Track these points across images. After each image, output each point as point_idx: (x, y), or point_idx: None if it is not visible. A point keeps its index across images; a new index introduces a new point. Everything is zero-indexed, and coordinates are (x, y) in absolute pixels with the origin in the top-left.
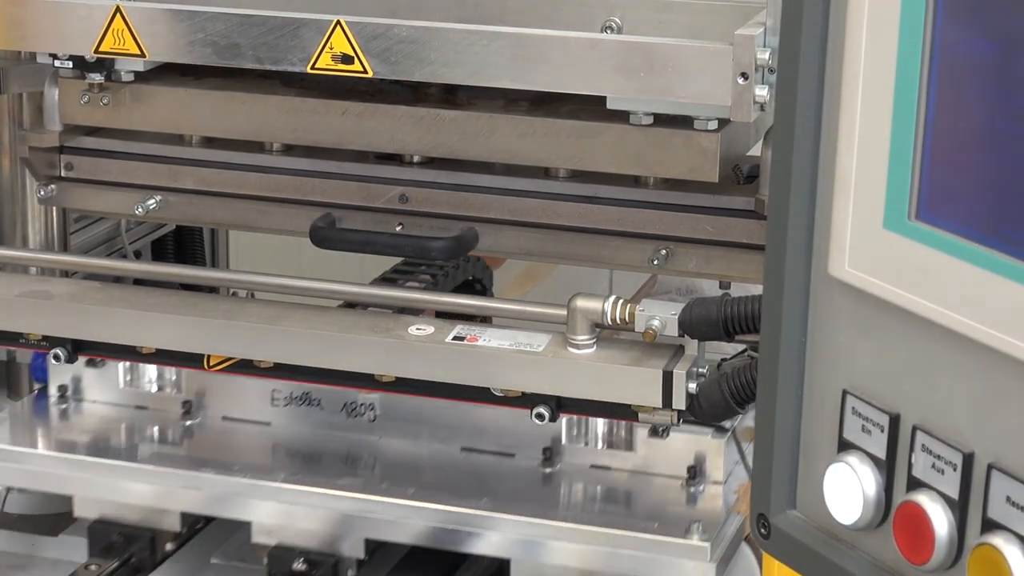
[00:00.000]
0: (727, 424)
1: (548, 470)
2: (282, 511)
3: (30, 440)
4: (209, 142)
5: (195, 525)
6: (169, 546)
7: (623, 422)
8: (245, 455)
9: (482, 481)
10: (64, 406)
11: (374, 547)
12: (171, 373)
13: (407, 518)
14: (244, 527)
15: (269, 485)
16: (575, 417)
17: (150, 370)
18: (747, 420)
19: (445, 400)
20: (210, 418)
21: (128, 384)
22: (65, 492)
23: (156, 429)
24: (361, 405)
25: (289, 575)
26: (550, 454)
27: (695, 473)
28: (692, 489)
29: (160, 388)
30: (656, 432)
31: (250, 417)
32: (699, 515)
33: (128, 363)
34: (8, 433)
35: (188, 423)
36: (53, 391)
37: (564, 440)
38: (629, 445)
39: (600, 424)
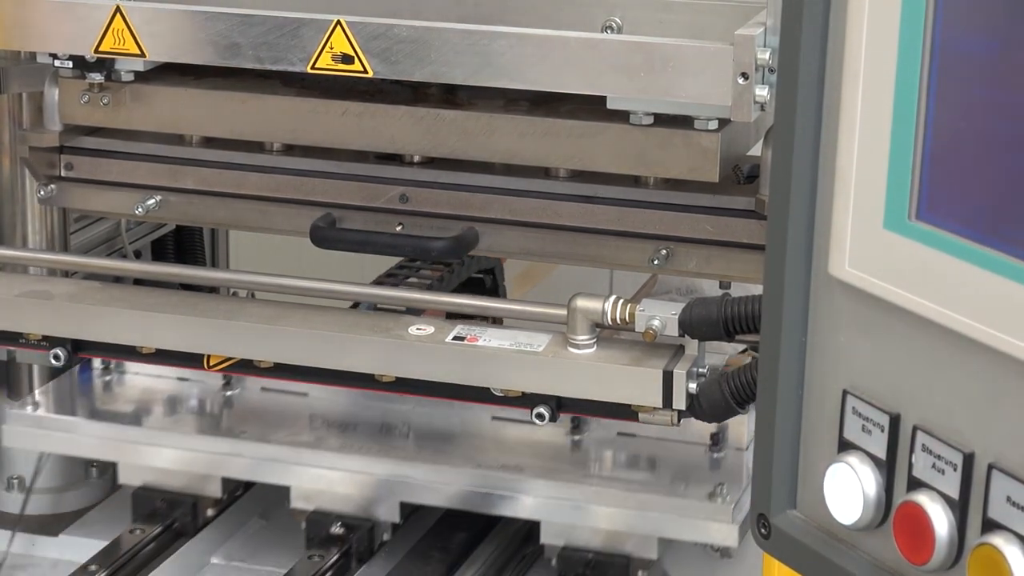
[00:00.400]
0: None
1: (576, 437)
2: (320, 476)
3: (75, 410)
4: (209, 142)
5: (235, 492)
6: (210, 511)
7: None
8: (284, 424)
9: (512, 448)
10: (107, 377)
11: (409, 511)
12: None
13: (441, 482)
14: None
15: (307, 451)
16: None
17: None
18: None
19: None
20: (249, 389)
21: None
22: (110, 459)
23: (197, 400)
24: None
25: (327, 539)
26: (578, 422)
27: (718, 440)
28: (715, 455)
29: None
30: None
31: (288, 388)
32: (722, 479)
33: None
34: (54, 403)
35: (228, 393)
36: (97, 363)
37: None
38: None
39: None
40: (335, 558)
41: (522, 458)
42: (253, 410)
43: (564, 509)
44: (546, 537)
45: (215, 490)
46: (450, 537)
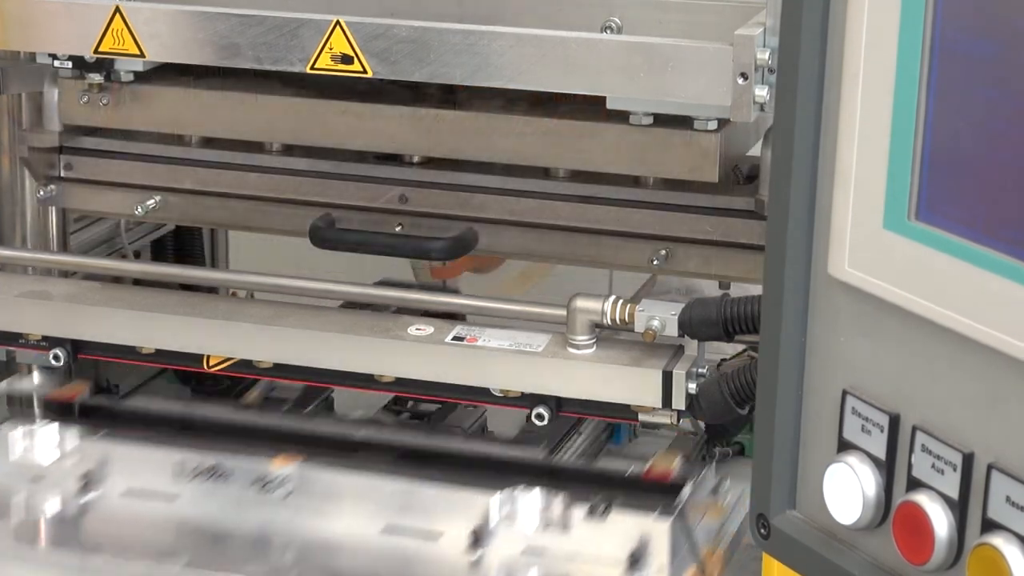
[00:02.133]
0: (676, 500)
1: (476, 555)
2: None
3: None
4: (209, 142)
5: None
6: None
7: (558, 498)
8: (145, 536)
9: (403, 568)
10: None
11: None
12: (72, 440)
13: None
14: None
15: (169, 570)
16: (508, 491)
17: (52, 435)
18: (699, 493)
19: (363, 471)
20: (110, 493)
21: (25, 451)
22: None
23: (48, 506)
24: (275, 479)
25: None
26: (478, 536)
27: (637, 559)
28: None
29: (60, 456)
30: (594, 512)
31: (155, 490)
32: None
33: (23, 428)
34: None
35: (85, 499)
36: None
37: (494, 519)
38: (565, 526)
39: (537, 499)
40: None
41: None
42: (112, 519)
43: None
44: None
45: None
46: None
